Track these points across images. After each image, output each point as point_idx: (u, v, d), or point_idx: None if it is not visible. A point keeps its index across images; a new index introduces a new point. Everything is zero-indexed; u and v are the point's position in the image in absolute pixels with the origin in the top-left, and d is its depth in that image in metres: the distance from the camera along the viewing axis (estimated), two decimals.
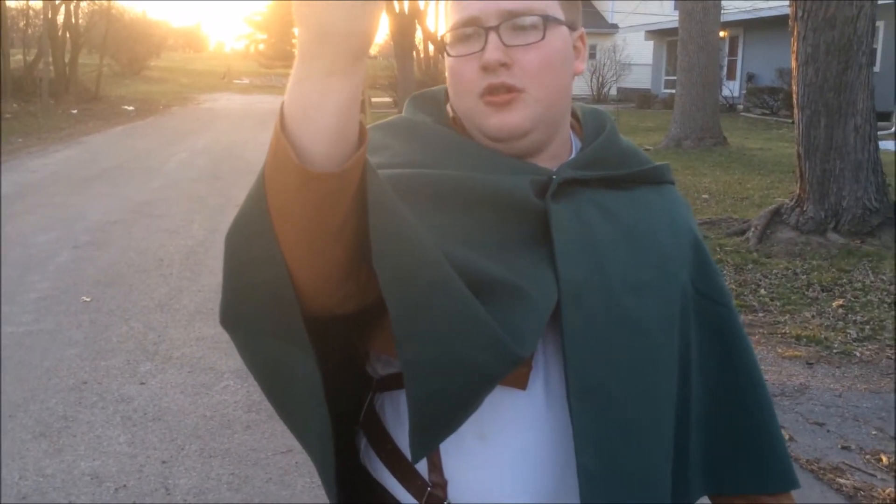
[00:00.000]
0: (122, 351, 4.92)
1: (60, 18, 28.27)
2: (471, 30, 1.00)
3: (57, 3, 27.49)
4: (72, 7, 29.06)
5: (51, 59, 26.19)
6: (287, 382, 0.90)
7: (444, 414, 0.87)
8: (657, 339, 1.03)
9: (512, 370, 0.90)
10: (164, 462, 3.56)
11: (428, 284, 0.83)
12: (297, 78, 0.76)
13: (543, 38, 1.00)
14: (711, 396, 1.12)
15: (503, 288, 0.92)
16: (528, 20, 0.99)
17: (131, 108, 26.24)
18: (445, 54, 1.04)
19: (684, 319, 1.08)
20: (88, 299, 5.95)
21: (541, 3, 1.00)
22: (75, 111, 23.35)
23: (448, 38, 1.03)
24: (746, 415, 1.14)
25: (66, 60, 28.18)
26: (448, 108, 1.11)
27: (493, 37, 0.98)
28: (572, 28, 1.04)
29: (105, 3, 32.35)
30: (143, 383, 4.44)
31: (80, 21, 30.95)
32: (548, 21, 1.00)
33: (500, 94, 0.99)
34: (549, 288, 0.95)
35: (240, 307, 0.87)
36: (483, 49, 0.99)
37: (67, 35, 28.80)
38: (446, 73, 1.07)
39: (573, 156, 1.09)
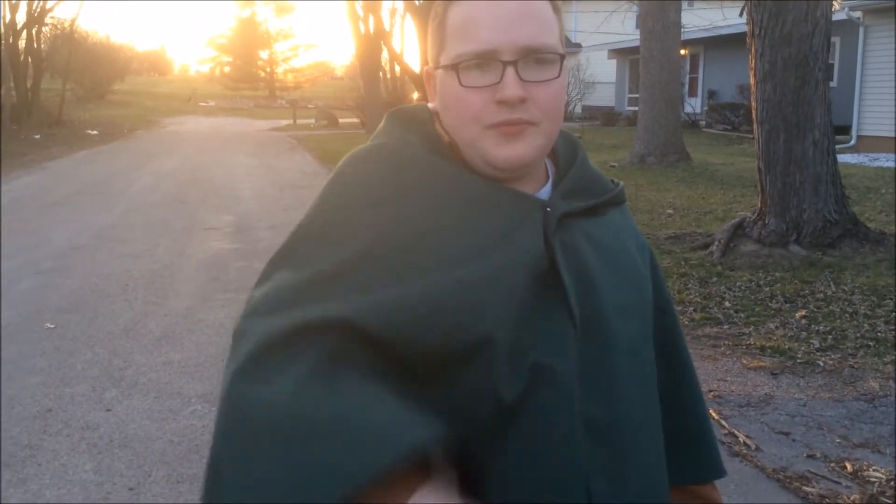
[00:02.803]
0: (87, 377, 4.85)
1: (22, 43, 27.98)
2: (484, 61, 0.99)
3: (18, 27, 27.22)
4: (34, 31, 28.78)
5: (13, 83, 25.90)
6: None
7: None
8: (646, 359, 1.09)
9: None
10: (131, 489, 3.51)
11: None
12: None
13: (559, 76, 1.01)
14: (661, 399, 1.16)
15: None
16: (547, 57, 1.00)
17: (95, 132, 26.00)
18: (453, 82, 1.00)
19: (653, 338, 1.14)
20: (52, 326, 5.87)
21: (552, 37, 1.01)
22: (38, 136, 23.09)
23: (458, 66, 1.00)
24: (689, 412, 1.23)
25: (29, 85, 27.87)
26: (439, 129, 1.08)
27: (511, 72, 0.98)
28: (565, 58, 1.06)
29: (67, 27, 32.08)
30: (108, 410, 4.38)
31: (43, 45, 30.64)
32: (562, 58, 1.02)
33: (513, 125, 0.99)
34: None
35: None
36: (500, 83, 0.98)
37: (29, 60, 28.49)
38: (443, 99, 1.04)
39: (550, 181, 1.09)
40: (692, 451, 1.22)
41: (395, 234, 0.96)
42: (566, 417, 0.96)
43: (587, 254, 1.04)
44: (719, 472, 1.25)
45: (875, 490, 3.44)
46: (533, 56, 0.99)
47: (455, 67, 1.00)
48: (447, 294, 0.93)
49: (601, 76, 32.82)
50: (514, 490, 0.95)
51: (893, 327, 5.51)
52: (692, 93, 26.14)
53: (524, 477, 0.95)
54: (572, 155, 1.14)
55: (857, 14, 16.92)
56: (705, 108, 25.13)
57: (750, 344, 5.31)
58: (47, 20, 30.73)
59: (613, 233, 1.11)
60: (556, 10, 1.04)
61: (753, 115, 7.79)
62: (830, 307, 5.98)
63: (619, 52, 29.89)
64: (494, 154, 1.01)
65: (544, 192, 1.07)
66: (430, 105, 1.10)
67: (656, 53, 15.44)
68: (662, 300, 1.19)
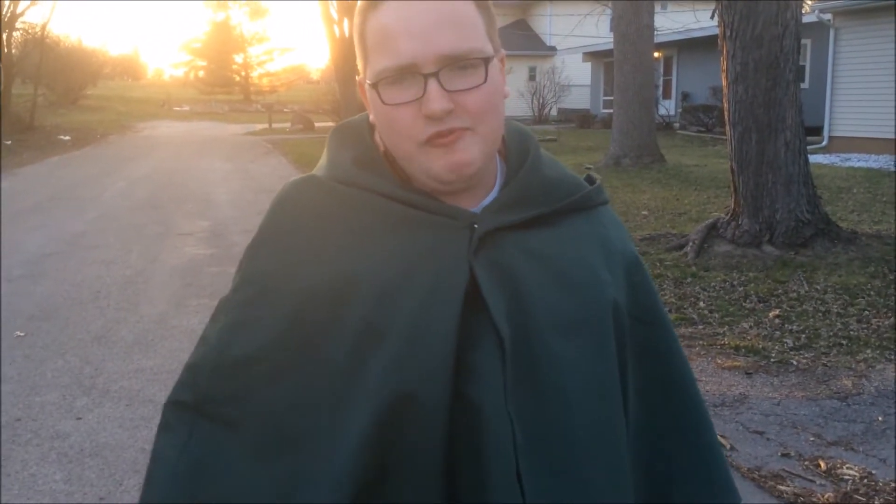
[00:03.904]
0: (58, 386, 4.78)
1: None
2: (404, 75, 0.95)
3: None
4: (4, 36, 28.44)
5: None
6: None
7: None
8: (597, 374, 1.02)
9: None
10: (101, 499, 3.46)
11: None
12: None
13: (486, 80, 0.97)
14: (653, 419, 1.11)
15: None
16: (470, 63, 0.95)
17: (67, 137, 25.73)
18: (377, 100, 0.98)
19: (622, 349, 1.07)
20: (22, 334, 5.79)
21: (475, 39, 0.96)
22: (9, 142, 22.79)
23: (378, 84, 0.97)
24: (692, 435, 1.15)
25: None
26: (377, 139, 1.06)
27: (434, 84, 0.93)
28: (497, 55, 1.01)
29: (39, 31, 31.73)
30: (79, 418, 4.32)
31: (14, 50, 30.31)
32: (487, 61, 0.97)
33: (445, 135, 0.96)
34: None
35: None
36: (424, 96, 0.94)
37: (0, 64, 28.16)
38: (374, 115, 1.02)
39: (495, 192, 1.05)
40: (701, 477, 1.14)
41: (315, 295, 0.98)
42: (500, 452, 0.95)
43: (523, 270, 1.00)
44: (732, 496, 1.16)
45: (849, 488, 3.46)
46: (455, 63, 0.94)
47: (376, 85, 0.97)
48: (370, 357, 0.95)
49: (576, 79, 32.99)
50: None
51: (866, 326, 5.56)
52: (666, 95, 26.33)
53: None
54: (524, 156, 1.08)
55: (828, 16, 17.11)
56: (679, 109, 25.32)
57: (724, 344, 5.34)
58: (18, 24, 30.41)
59: (569, 244, 1.06)
60: (482, 9, 0.99)
61: (726, 117, 7.84)
62: (803, 306, 6.03)
63: (594, 55, 30.05)
64: (436, 169, 0.98)
65: (485, 204, 1.04)
66: (370, 117, 1.07)
67: (630, 56, 15.53)
68: (642, 310, 1.12)
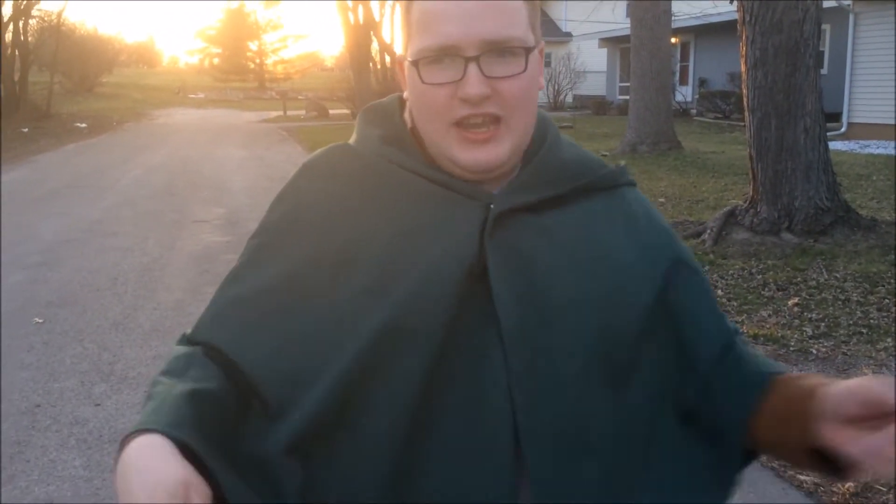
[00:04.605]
0: (76, 372, 4.81)
1: (9, 36, 27.78)
2: (445, 55, 0.96)
3: (5, 20, 27.01)
4: (20, 24, 28.57)
5: (0, 76, 25.74)
6: None
7: None
8: (610, 354, 1.01)
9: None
10: None
11: None
12: None
13: (525, 69, 0.97)
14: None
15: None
16: (512, 50, 0.96)
17: (83, 125, 25.86)
18: (416, 78, 0.98)
19: (650, 324, 1.04)
20: (41, 321, 5.82)
21: (519, 28, 0.97)
22: (26, 130, 22.94)
23: (419, 62, 0.97)
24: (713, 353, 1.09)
25: (16, 78, 27.68)
26: (406, 117, 1.08)
27: (473, 68, 0.94)
28: (538, 46, 1.02)
29: (55, 19, 31.86)
30: (98, 405, 4.34)
31: (30, 38, 30.43)
32: (529, 51, 0.98)
33: (479, 129, 0.97)
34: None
35: None
36: (462, 79, 0.95)
37: (16, 53, 28.29)
38: (409, 93, 1.03)
39: (515, 173, 1.06)
40: (743, 375, 1.07)
41: (320, 254, 1.01)
42: (494, 416, 0.96)
43: (538, 251, 1.01)
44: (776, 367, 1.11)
45: (869, 478, 3.43)
46: (496, 49, 0.95)
47: (416, 63, 0.98)
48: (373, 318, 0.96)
49: (592, 65, 32.80)
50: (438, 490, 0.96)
51: (886, 314, 5.51)
52: (683, 81, 26.13)
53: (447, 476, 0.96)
54: (541, 141, 1.08)
55: (848, 1, 16.91)
56: (696, 96, 25.13)
57: (743, 332, 5.29)
58: (34, 13, 30.55)
59: (588, 223, 1.05)
60: None
61: (745, 103, 7.77)
62: (823, 294, 5.98)
63: (610, 41, 29.84)
64: (460, 157, 0.99)
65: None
66: (404, 94, 1.07)
67: (647, 42, 15.40)
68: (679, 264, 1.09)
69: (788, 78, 7.32)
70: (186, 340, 1.08)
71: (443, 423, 0.96)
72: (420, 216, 1.01)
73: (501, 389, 0.96)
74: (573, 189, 1.06)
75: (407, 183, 1.03)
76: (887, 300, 5.77)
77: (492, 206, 1.00)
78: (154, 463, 0.82)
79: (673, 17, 16.66)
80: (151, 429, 0.87)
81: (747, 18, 7.47)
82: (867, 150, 15.17)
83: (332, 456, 0.96)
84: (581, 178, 1.07)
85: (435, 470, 0.96)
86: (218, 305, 1.07)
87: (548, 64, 34.89)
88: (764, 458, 3.58)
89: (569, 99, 33.51)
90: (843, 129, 17.43)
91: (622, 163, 1.16)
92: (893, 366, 4.67)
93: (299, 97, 42.89)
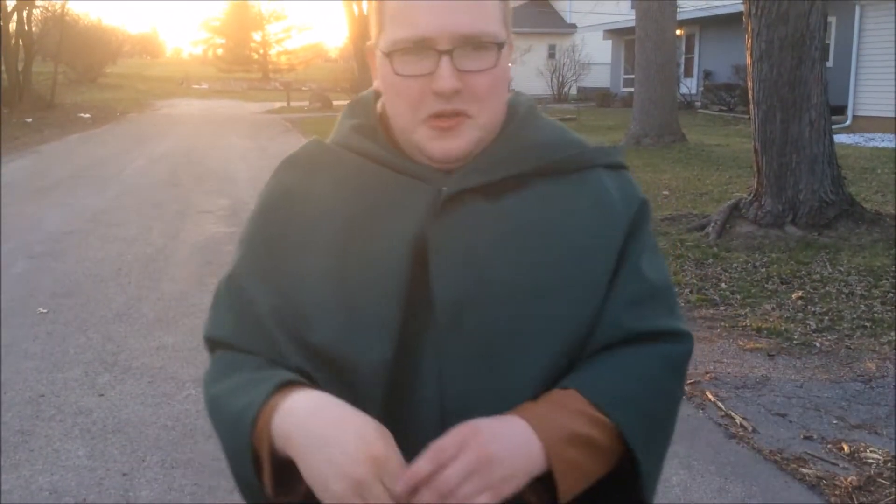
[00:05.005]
0: (80, 362, 4.82)
1: (13, 26, 27.74)
2: (419, 48, 0.96)
3: (9, 9, 26.98)
4: (24, 14, 28.53)
5: (3, 67, 25.70)
6: None
7: None
8: (549, 343, 1.00)
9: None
10: (124, 474, 3.49)
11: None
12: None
13: (496, 65, 0.98)
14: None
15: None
16: (483, 45, 0.97)
17: (87, 115, 25.85)
18: (389, 69, 0.99)
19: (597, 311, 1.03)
20: (45, 311, 5.83)
21: (492, 23, 0.98)
22: (30, 120, 22.94)
23: (393, 54, 0.98)
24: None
25: (20, 69, 27.64)
26: (378, 106, 1.11)
27: (446, 62, 0.95)
28: (509, 41, 1.03)
29: (58, 9, 31.81)
30: (101, 395, 4.35)
31: (34, 28, 30.38)
32: (500, 46, 0.99)
33: (448, 118, 0.98)
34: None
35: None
36: (435, 73, 0.96)
37: (20, 43, 28.25)
38: (381, 83, 1.04)
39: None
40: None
41: (284, 238, 1.07)
42: (424, 398, 0.99)
43: (484, 233, 1.00)
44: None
45: (872, 471, 3.43)
46: (470, 44, 0.96)
47: (390, 55, 0.98)
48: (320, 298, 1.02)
49: (596, 57, 32.70)
50: None
51: (890, 308, 5.50)
52: (688, 73, 26.05)
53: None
54: (508, 123, 1.07)
55: None
56: (701, 88, 25.06)
57: (746, 325, 5.29)
58: (38, 3, 30.49)
59: (543, 206, 1.04)
60: None
61: (750, 96, 7.75)
62: (827, 288, 5.97)
63: (615, 33, 29.75)
64: (428, 148, 1.00)
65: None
66: (374, 84, 1.09)
67: (652, 34, 15.35)
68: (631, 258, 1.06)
69: (794, 71, 7.30)
70: (205, 340, 1.16)
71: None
72: (374, 201, 1.03)
73: (433, 377, 0.98)
74: (535, 170, 1.05)
75: (367, 171, 1.06)
76: (891, 294, 5.76)
77: (444, 188, 1.01)
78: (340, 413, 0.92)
79: (678, 9, 16.60)
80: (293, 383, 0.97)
81: (753, 10, 7.44)
82: (872, 144, 15.12)
83: None
84: (544, 159, 1.06)
85: None
86: (217, 303, 1.16)
87: (552, 55, 34.81)
88: (766, 451, 3.58)
89: (573, 91, 33.43)
90: (847, 123, 17.38)
91: (621, 143, 1.15)
92: None
93: (303, 88, 42.82)
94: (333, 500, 0.87)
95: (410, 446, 0.92)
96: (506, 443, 0.90)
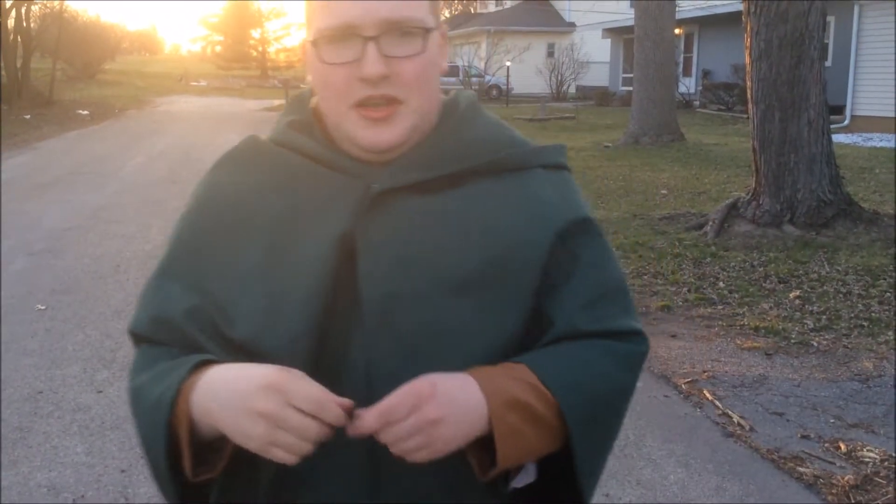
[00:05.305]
0: (79, 359, 4.82)
1: (11, 22, 27.69)
2: (344, 35, 0.96)
3: (7, 6, 26.93)
4: (23, 11, 28.49)
5: (2, 63, 25.65)
6: None
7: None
8: (479, 341, 1.00)
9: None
10: (123, 471, 3.50)
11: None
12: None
13: (424, 50, 0.98)
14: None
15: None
16: (409, 31, 0.97)
17: (86, 112, 25.81)
18: (316, 58, 0.99)
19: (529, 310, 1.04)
20: (43, 307, 5.83)
21: (418, 9, 0.98)
22: (28, 116, 22.90)
23: (318, 42, 0.98)
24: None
25: (18, 65, 27.59)
26: (313, 102, 1.11)
27: (372, 48, 0.95)
28: (438, 29, 1.03)
29: (57, 6, 31.76)
30: (100, 391, 4.36)
31: (32, 24, 30.32)
32: (427, 32, 0.98)
33: (379, 107, 0.97)
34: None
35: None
36: (361, 59, 0.95)
37: (18, 39, 28.21)
38: (311, 74, 1.04)
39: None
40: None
41: (214, 235, 1.07)
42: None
43: (417, 230, 1.00)
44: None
45: (869, 470, 3.44)
46: (396, 30, 0.96)
47: (316, 43, 0.98)
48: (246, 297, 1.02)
49: (595, 56, 32.70)
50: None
51: (888, 307, 5.51)
52: (686, 73, 26.05)
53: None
54: (441, 123, 1.07)
55: None
56: (699, 87, 25.06)
57: (744, 324, 5.30)
58: None
59: (475, 204, 1.03)
60: None
61: (748, 95, 7.76)
62: (824, 287, 5.98)
63: (614, 32, 29.74)
64: (360, 137, 1.00)
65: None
66: (308, 79, 1.09)
67: (651, 32, 15.36)
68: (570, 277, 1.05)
69: (793, 70, 7.31)
70: (130, 334, 1.15)
71: None
72: (304, 198, 1.03)
73: (362, 375, 0.98)
74: (471, 170, 1.04)
75: (299, 167, 1.05)
76: (888, 293, 5.78)
77: (374, 185, 1.01)
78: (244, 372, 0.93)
79: (677, 8, 16.61)
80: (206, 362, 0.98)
81: (752, 10, 7.44)
82: (870, 143, 15.14)
83: (229, 462, 0.99)
84: (481, 158, 1.05)
85: (297, 475, 0.99)
86: (144, 298, 1.14)
87: (551, 54, 34.81)
88: (763, 450, 3.59)
89: (571, 89, 33.42)
90: (846, 122, 17.39)
91: (564, 144, 1.15)
92: (894, 359, 4.68)
93: (301, 85, 42.66)
94: (260, 444, 0.89)
95: (339, 444, 0.93)
96: (457, 408, 0.92)
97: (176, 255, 1.10)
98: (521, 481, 1.03)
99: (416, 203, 1.02)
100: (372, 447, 0.95)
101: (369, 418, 0.90)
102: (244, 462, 0.99)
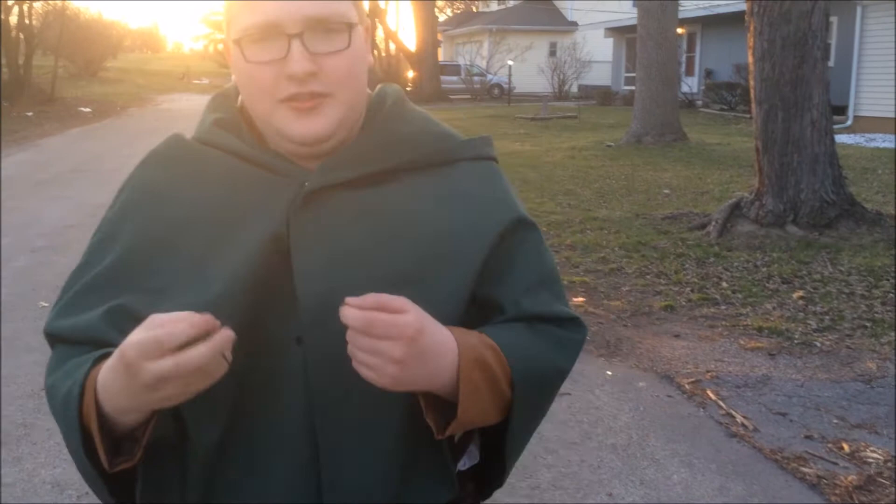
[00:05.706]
0: None
1: (13, 19, 27.70)
2: (268, 33, 0.96)
3: (10, 3, 26.95)
4: (25, 8, 28.49)
5: (4, 60, 25.66)
6: None
7: None
8: None
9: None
10: None
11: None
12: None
13: (349, 46, 0.98)
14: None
15: None
16: (334, 27, 0.97)
17: (88, 109, 25.83)
18: (240, 57, 0.98)
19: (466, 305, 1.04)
20: (46, 304, 5.83)
21: (340, 5, 0.97)
22: (30, 113, 22.92)
23: (241, 41, 0.97)
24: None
25: (20, 62, 27.61)
26: (239, 100, 1.10)
27: (297, 45, 0.95)
28: (363, 24, 1.03)
29: (59, 3, 31.76)
30: None
31: (34, 22, 30.32)
32: (352, 27, 0.98)
33: (305, 100, 0.97)
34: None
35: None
36: (287, 57, 0.95)
37: (21, 36, 28.22)
38: (235, 73, 1.03)
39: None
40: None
41: (146, 240, 1.04)
42: (290, 399, 0.99)
43: (349, 228, 1.00)
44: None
45: (872, 471, 3.44)
46: (321, 26, 0.95)
47: (239, 42, 0.98)
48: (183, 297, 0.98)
49: (597, 55, 32.70)
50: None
51: (891, 308, 5.51)
52: (689, 72, 26.03)
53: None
54: (371, 118, 1.08)
55: None
56: (702, 87, 25.05)
57: (747, 325, 5.30)
58: None
59: (408, 199, 1.04)
60: None
61: (751, 95, 7.75)
62: (827, 288, 5.97)
63: (616, 31, 29.74)
64: (290, 130, 0.99)
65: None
66: (233, 77, 1.08)
67: (653, 32, 15.35)
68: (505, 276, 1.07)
69: (796, 70, 7.30)
70: (46, 335, 1.10)
71: (243, 426, 0.99)
72: (236, 199, 1.02)
73: (298, 379, 0.98)
74: (402, 165, 1.05)
75: (227, 166, 1.04)
76: (892, 294, 5.77)
77: (306, 183, 1.00)
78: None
79: (680, 8, 16.60)
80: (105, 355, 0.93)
81: (756, 10, 7.44)
82: (873, 144, 15.13)
83: (154, 459, 0.99)
84: (411, 154, 1.06)
85: (235, 479, 0.99)
86: (65, 297, 1.08)
87: (553, 53, 34.81)
88: (767, 450, 3.59)
89: (574, 89, 33.41)
90: (849, 123, 17.39)
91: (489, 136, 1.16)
92: None
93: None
94: (178, 399, 0.87)
95: (278, 445, 0.93)
96: (434, 345, 0.92)
97: (97, 256, 1.07)
98: (465, 464, 1.04)
99: (349, 200, 1.01)
100: (314, 441, 0.96)
101: (358, 300, 0.88)
102: (168, 458, 0.99)
